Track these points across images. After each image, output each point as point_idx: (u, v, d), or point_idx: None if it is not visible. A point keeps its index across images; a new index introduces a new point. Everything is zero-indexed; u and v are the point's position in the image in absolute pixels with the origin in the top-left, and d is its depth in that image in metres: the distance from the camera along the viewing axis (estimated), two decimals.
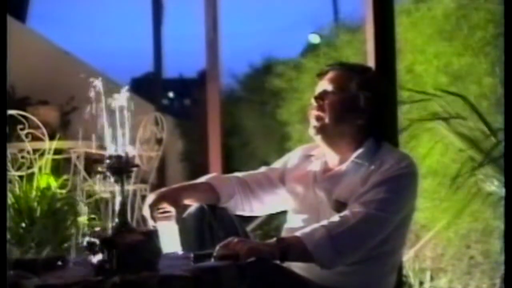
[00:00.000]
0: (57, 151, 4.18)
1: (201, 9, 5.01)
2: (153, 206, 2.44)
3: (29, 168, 3.89)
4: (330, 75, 2.53)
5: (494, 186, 3.32)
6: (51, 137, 4.15)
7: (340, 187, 2.44)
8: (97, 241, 2.06)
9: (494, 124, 3.35)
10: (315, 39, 6.45)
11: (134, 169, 2.17)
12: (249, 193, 2.63)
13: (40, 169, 3.76)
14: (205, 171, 4.43)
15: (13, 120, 4.13)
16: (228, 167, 4.84)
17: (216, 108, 4.91)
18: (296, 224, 2.51)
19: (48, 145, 3.98)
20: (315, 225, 2.30)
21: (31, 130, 4.21)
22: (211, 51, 4.95)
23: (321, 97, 2.49)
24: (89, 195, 4.28)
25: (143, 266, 2.02)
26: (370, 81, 2.51)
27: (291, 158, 2.68)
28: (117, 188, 2.13)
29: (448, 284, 3.72)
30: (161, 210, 2.45)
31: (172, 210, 2.45)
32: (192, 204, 2.53)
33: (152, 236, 2.12)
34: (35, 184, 3.64)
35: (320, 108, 2.48)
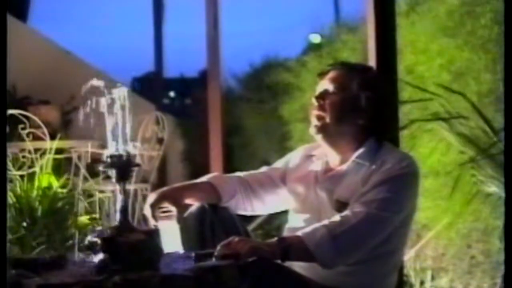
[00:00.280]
0: (58, 151, 4.18)
1: (202, 8, 5.01)
2: (154, 206, 2.43)
3: (30, 167, 3.89)
4: (331, 74, 2.53)
5: (494, 186, 3.32)
6: (52, 137, 4.15)
7: (341, 187, 2.44)
8: (98, 240, 2.06)
9: (495, 121, 3.35)
10: (315, 38, 6.45)
11: (135, 168, 2.16)
12: (250, 192, 2.63)
13: (41, 168, 3.75)
14: (206, 170, 4.42)
15: (14, 120, 4.13)
16: (229, 166, 4.84)
17: (217, 107, 4.91)
18: (297, 224, 2.50)
19: (49, 144, 3.98)
20: (316, 225, 2.31)
21: (32, 130, 4.21)
22: (212, 50, 4.95)
23: (322, 96, 2.49)
24: (90, 195, 4.28)
25: (144, 266, 2.03)
26: (371, 81, 2.51)
27: (293, 158, 2.68)
28: (118, 187, 2.12)
29: (449, 283, 3.73)
30: (162, 210, 2.45)
31: (173, 209, 2.45)
32: (193, 204, 2.52)
33: (153, 235, 2.12)
34: (36, 183, 3.64)
35: (321, 108, 2.48)
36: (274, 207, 2.69)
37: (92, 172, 4.34)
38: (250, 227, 4.52)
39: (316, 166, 2.56)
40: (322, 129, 2.47)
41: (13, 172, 3.86)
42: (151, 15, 7.46)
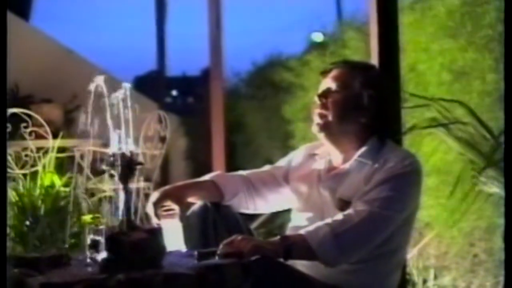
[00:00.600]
0: (61, 149, 4.18)
1: (204, 7, 5.01)
2: (157, 204, 2.44)
3: (32, 166, 3.89)
4: (333, 73, 2.53)
5: (495, 187, 3.31)
6: (55, 135, 4.15)
7: (344, 186, 2.44)
8: (101, 239, 2.06)
9: (497, 121, 3.34)
10: (318, 37, 6.44)
11: (138, 167, 2.16)
12: (253, 191, 2.63)
13: (43, 167, 3.75)
14: (208, 169, 4.42)
15: (16, 119, 4.13)
16: (231, 165, 4.84)
17: (219, 106, 4.91)
18: (300, 222, 2.50)
19: (52, 143, 3.98)
20: (319, 223, 2.31)
21: (34, 128, 4.20)
22: (214, 49, 4.95)
23: (324, 95, 2.49)
24: (92, 193, 4.28)
25: (147, 264, 2.02)
26: (373, 79, 2.51)
27: (295, 157, 2.67)
28: (121, 186, 2.12)
29: (452, 282, 3.72)
30: (165, 208, 2.45)
31: (176, 208, 2.45)
32: (196, 202, 2.52)
33: (156, 234, 2.12)
34: (39, 182, 3.64)
35: (324, 106, 2.48)
36: (277, 205, 2.69)
37: (95, 171, 4.33)
38: (253, 225, 4.52)
39: (319, 165, 2.56)
40: (325, 127, 2.47)
41: (15, 171, 3.86)
42: (154, 14, 7.46)
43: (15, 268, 2.08)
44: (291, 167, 2.64)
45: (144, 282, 1.93)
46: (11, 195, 3.53)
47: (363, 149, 2.46)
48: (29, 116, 4.30)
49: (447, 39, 3.76)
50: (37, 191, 3.60)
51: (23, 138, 4.11)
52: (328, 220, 2.31)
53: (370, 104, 2.47)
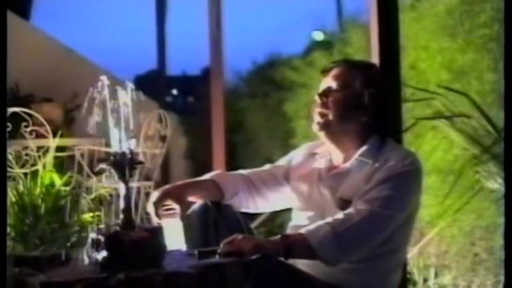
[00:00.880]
0: (61, 149, 4.18)
1: (205, 6, 5.00)
2: (158, 204, 2.43)
3: (33, 165, 3.89)
4: (334, 72, 2.53)
5: (497, 183, 3.32)
6: (55, 135, 4.15)
7: (345, 185, 2.44)
8: (102, 238, 2.05)
9: (497, 120, 3.34)
10: (318, 35, 6.44)
11: (138, 166, 2.16)
12: (254, 190, 2.63)
13: (44, 166, 3.75)
14: (209, 168, 4.42)
15: (17, 118, 4.13)
16: (232, 164, 4.83)
17: (219, 105, 4.90)
18: (301, 221, 2.50)
19: (52, 142, 3.98)
20: (320, 223, 2.31)
21: (35, 128, 4.20)
22: (215, 48, 4.94)
23: (325, 94, 2.49)
24: (93, 193, 4.28)
25: (148, 263, 2.02)
26: (374, 78, 2.51)
27: (296, 156, 2.67)
28: (121, 185, 2.12)
29: (453, 281, 3.72)
30: (165, 208, 2.45)
31: (176, 207, 2.45)
32: (196, 201, 2.52)
33: (156, 233, 2.11)
34: (39, 181, 3.64)
35: (324, 105, 2.48)
36: (277, 205, 2.69)
37: (95, 170, 4.33)
38: (253, 224, 4.52)
39: (320, 164, 2.56)
40: (325, 126, 2.47)
41: (16, 170, 3.85)
42: (154, 13, 7.45)
43: (15, 267, 2.08)
44: (291, 166, 2.64)
45: (145, 281, 1.92)
46: (11, 194, 3.53)
47: (363, 148, 2.46)
48: (29, 115, 4.30)
49: (447, 38, 3.76)
50: (38, 190, 3.59)
51: (24, 137, 4.11)
52: (329, 219, 2.31)
53: (371, 103, 2.46)
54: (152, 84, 8.00)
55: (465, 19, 3.68)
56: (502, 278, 3.50)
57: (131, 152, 2.13)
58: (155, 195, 2.46)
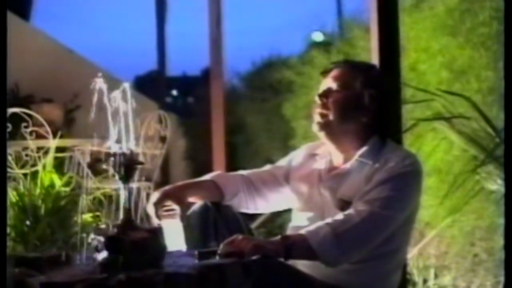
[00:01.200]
0: (61, 149, 4.18)
1: (205, 7, 5.00)
2: (158, 205, 2.43)
3: (33, 166, 3.88)
4: (334, 73, 2.52)
5: (497, 184, 3.31)
6: (55, 135, 4.15)
7: (345, 186, 2.43)
8: (102, 238, 2.05)
9: (497, 120, 3.34)
10: (318, 36, 6.44)
11: (139, 166, 2.15)
12: (254, 191, 2.62)
13: (44, 167, 3.75)
14: (209, 169, 4.41)
15: (17, 118, 4.12)
16: (232, 165, 4.83)
17: (219, 105, 4.90)
18: (301, 222, 2.50)
19: (52, 143, 3.97)
20: (320, 223, 2.30)
21: (35, 128, 4.19)
22: (215, 48, 4.94)
23: (325, 95, 2.49)
24: (93, 193, 4.27)
25: (148, 264, 2.02)
26: (374, 79, 2.51)
27: (296, 157, 2.67)
28: (121, 185, 2.12)
29: (452, 281, 3.72)
30: (165, 208, 2.44)
31: (176, 208, 2.44)
32: (196, 202, 2.51)
33: (157, 233, 2.11)
34: (39, 182, 3.64)
35: (324, 106, 2.48)
36: (277, 205, 2.68)
37: (95, 171, 4.33)
38: (253, 225, 4.52)
39: (320, 164, 2.55)
40: (325, 126, 2.47)
41: (16, 171, 3.85)
42: (154, 13, 7.45)
43: (15, 268, 2.07)
44: (291, 167, 2.64)
45: (145, 282, 1.92)
46: (12, 195, 3.53)
47: (363, 149, 2.46)
48: (29, 115, 4.29)
49: (447, 38, 3.76)
50: (38, 191, 3.59)
51: (24, 138, 4.10)
52: (329, 220, 2.30)
53: (371, 104, 2.46)
54: (152, 85, 8.01)
55: (465, 18, 3.68)
56: (502, 278, 3.50)
57: (131, 153, 2.12)
58: (155, 196, 2.46)
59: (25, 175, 3.73)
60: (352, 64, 2.58)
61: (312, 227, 2.30)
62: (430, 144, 3.65)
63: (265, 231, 4.65)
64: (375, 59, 3.04)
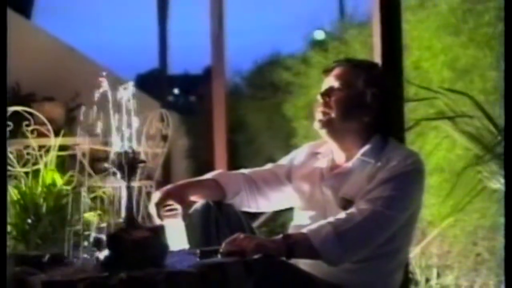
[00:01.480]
0: (63, 148, 4.17)
1: (207, 5, 4.99)
2: (159, 205, 2.43)
3: (34, 164, 3.88)
4: (336, 71, 2.52)
5: (500, 183, 3.31)
6: (57, 134, 4.14)
7: (347, 185, 2.43)
8: (103, 237, 2.05)
9: (500, 119, 3.34)
10: (320, 35, 6.43)
11: (141, 165, 2.15)
12: (255, 189, 2.62)
13: (45, 165, 3.74)
14: (210, 167, 4.42)
15: (18, 117, 4.11)
16: (233, 163, 4.83)
17: (221, 104, 4.90)
18: (303, 221, 2.49)
19: (54, 141, 3.97)
20: (322, 222, 2.30)
21: (36, 127, 4.18)
22: (217, 47, 4.94)
23: (327, 93, 2.48)
24: (94, 192, 4.27)
25: (149, 263, 2.01)
26: (377, 78, 2.50)
27: (298, 155, 2.66)
28: (123, 184, 2.11)
29: (455, 281, 3.71)
30: (167, 208, 2.44)
31: (178, 207, 2.44)
32: (198, 201, 2.50)
33: (158, 232, 2.11)
34: (40, 180, 3.63)
35: (327, 105, 2.47)
36: (279, 204, 2.68)
37: (97, 169, 4.32)
38: (255, 224, 4.52)
39: (322, 163, 2.55)
40: (327, 124, 2.46)
41: (17, 169, 3.85)
42: (156, 11, 7.45)
43: (16, 267, 2.07)
44: (293, 166, 2.63)
45: (146, 281, 1.91)
46: (13, 193, 3.53)
47: (366, 147, 2.45)
48: (30, 114, 4.28)
49: (449, 37, 3.76)
50: (39, 189, 3.59)
51: (25, 136, 4.10)
52: (331, 219, 2.30)
53: (373, 103, 2.46)
54: (154, 83, 8.00)
55: (468, 18, 3.67)
56: (504, 278, 3.49)
57: (133, 151, 2.12)
58: (156, 196, 2.46)
59: (26, 173, 3.72)
60: (354, 62, 2.57)
61: (314, 226, 2.29)
62: (433, 142, 3.65)
63: (267, 230, 4.65)
64: (377, 57, 3.03)
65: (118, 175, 2.12)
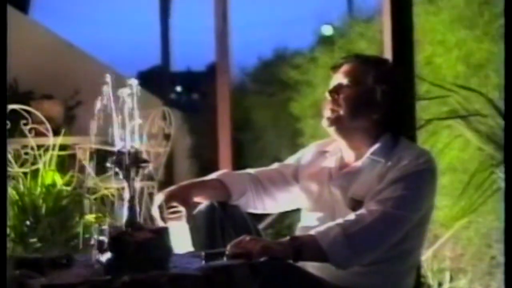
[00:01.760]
0: (62, 147, 4.14)
1: (211, 0, 4.97)
2: (163, 207, 2.40)
3: (33, 164, 3.85)
4: (345, 68, 2.48)
5: None
6: (56, 133, 4.12)
7: (356, 184, 2.40)
8: (105, 239, 2.03)
9: None
10: (327, 30, 6.40)
11: (144, 165, 2.12)
12: (261, 190, 2.58)
13: (44, 165, 3.71)
14: (215, 167, 4.40)
15: (16, 115, 4.09)
16: (238, 163, 4.82)
17: (225, 101, 4.90)
18: (310, 222, 2.46)
19: (52, 140, 3.94)
20: (330, 224, 2.26)
21: (34, 125, 4.16)
22: (221, 43, 4.93)
23: (335, 91, 2.44)
24: (95, 192, 4.24)
25: (153, 265, 1.99)
26: (387, 74, 2.46)
27: (305, 155, 2.63)
28: (125, 185, 2.08)
29: (468, 285, 3.71)
30: (171, 210, 2.40)
31: (182, 209, 2.40)
32: (202, 202, 2.47)
33: (162, 234, 2.08)
34: (39, 180, 3.61)
35: (335, 102, 2.44)
36: (286, 205, 2.65)
37: (98, 169, 4.29)
38: (261, 226, 4.49)
39: (330, 162, 2.51)
40: (335, 121, 2.43)
41: (15, 169, 3.82)
42: (158, 7, 7.43)
43: (16, 270, 2.05)
44: (300, 165, 2.60)
45: (150, 283, 1.89)
46: (11, 194, 3.50)
47: (375, 146, 2.42)
48: (28, 112, 4.25)
49: (464, 30, 3.72)
50: (38, 190, 3.57)
51: (23, 135, 4.06)
52: (340, 220, 2.26)
53: (383, 100, 2.42)
54: (156, 80, 7.99)
55: (484, 10, 3.62)
56: None
57: (136, 151, 2.09)
58: (159, 198, 2.43)
59: (25, 173, 3.69)
60: (364, 58, 2.53)
61: (322, 227, 2.25)
62: (445, 141, 3.62)
63: (273, 232, 4.63)
64: (387, 53, 2.99)
65: (121, 175, 2.09)
